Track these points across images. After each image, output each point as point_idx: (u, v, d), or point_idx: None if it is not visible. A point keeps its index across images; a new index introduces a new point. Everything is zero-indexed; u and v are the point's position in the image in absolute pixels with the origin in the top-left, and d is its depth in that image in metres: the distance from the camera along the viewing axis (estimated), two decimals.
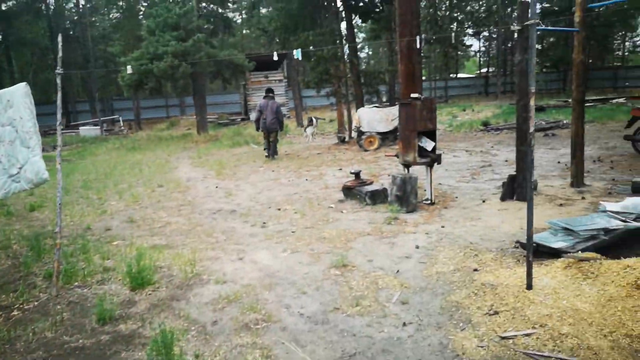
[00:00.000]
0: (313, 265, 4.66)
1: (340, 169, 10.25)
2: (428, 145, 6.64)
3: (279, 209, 7.08)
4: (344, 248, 5.09)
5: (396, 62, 15.50)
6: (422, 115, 6.39)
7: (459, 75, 45.43)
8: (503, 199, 6.50)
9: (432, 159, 6.56)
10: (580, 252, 3.86)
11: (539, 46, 43.52)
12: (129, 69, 13.54)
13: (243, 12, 38.91)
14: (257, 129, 12.74)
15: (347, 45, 13.68)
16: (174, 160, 13.57)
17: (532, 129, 3.30)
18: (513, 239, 4.99)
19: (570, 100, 23.91)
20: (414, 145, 6.49)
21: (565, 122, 15.95)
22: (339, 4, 14.00)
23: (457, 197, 7.05)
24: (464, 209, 6.39)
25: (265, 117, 12.14)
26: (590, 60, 39.84)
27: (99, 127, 25.78)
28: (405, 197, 6.31)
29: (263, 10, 32.12)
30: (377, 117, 12.49)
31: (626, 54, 39.33)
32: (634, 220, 4.49)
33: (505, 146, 12.14)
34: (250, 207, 7.33)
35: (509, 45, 38.42)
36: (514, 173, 6.52)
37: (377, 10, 13.41)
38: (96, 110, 27.31)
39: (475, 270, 4.21)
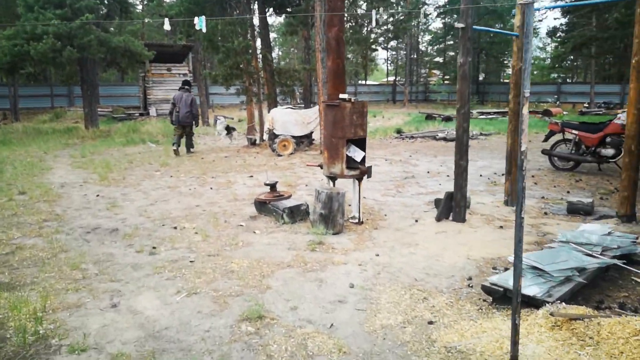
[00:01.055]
0: (217, 316, 3.43)
1: (251, 176, 9.02)
2: (357, 155, 5.68)
3: (175, 227, 5.71)
4: (258, 287, 3.92)
5: (313, 61, 14.57)
6: (352, 119, 5.42)
7: (368, 82, 46.03)
8: (439, 219, 5.73)
9: (361, 171, 5.60)
10: (561, 302, 3.07)
11: (441, 59, 45.57)
12: None
13: None
14: (172, 122, 12.29)
15: (259, 39, 12.48)
16: (50, 159, 11.39)
17: (524, 145, 2.40)
18: (463, 274, 4.15)
19: (473, 112, 24.80)
20: (342, 155, 5.49)
21: (474, 132, 16.12)
22: None
23: (386, 215, 6.17)
24: (397, 230, 5.51)
25: (179, 109, 11.75)
26: (485, 75, 42.46)
27: None
28: (332, 216, 5.28)
29: None
30: (292, 119, 11.42)
31: None
32: (601, 254, 3.85)
33: (423, 155, 11.70)
34: (138, 224, 5.86)
35: (414, 55, 39.61)
36: (451, 191, 5.77)
37: (294, 3, 12.35)
38: None
39: (431, 323, 3.27)
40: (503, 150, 12.83)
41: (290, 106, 14.34)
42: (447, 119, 21.18)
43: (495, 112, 23.85)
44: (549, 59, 45.79)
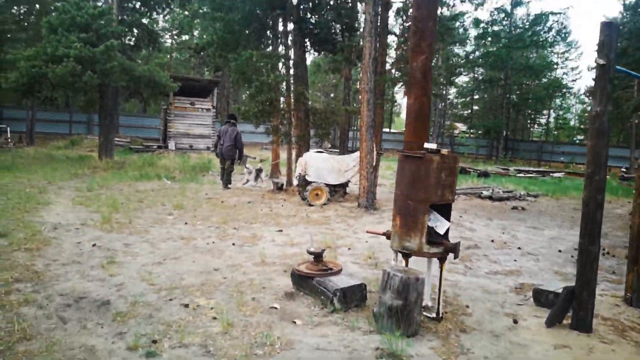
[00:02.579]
0: None
1: (281, 231, 7.54)
2: (441, 226, 4.19)
3: (187, 305, 4.20)
4: None
5: (354, 102, 13.33)
6: (439, 178, 3.97)
7: (391, 129, 45.08)
8: (551, 323, 4.12)
9: (446, 248, 4.09)
10: None
11: (466, 112, 44.61)
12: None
13: (174, 32, 35.80)
14: (216, 155, 12.60)
15: (292, 74, 11.30)
16: (52, 192, 10.08)
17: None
18: None
19: (510, 169, 23.31)
20: (423, 225, 4.01)
21: (522, 193, 14.57)
22: (291, 26, 11.67)
23: (468, 307, 4.59)
24: (494, 336, 3.92)
25: (223, 142, 11.93)
26: (513, 132, 41.21)
27: None
28: (407, 311, 3.73)
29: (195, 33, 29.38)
30: (327, 166, 10.04)
31: (551, 128, 41.06)
32: None
33: (474, 216, 10.14)
34: (137, 295, 4.37)
35: (442, 105, 38.64)
36: (571, 285, 4.18)
37: (336, 40, 11.23)
38: None
39: None
40: (566, 217, 11.24)
41: (321, 150, 13.02)
42: (484, 174, 19.70)
43: (534, 171, 22.33)
44: (573, 120, 44.40)
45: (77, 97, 18.40)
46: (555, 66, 39.67)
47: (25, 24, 28.87)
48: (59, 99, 22.00)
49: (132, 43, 19.98)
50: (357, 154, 10.24)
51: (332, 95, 38.05)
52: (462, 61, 32.36)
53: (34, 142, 24.80)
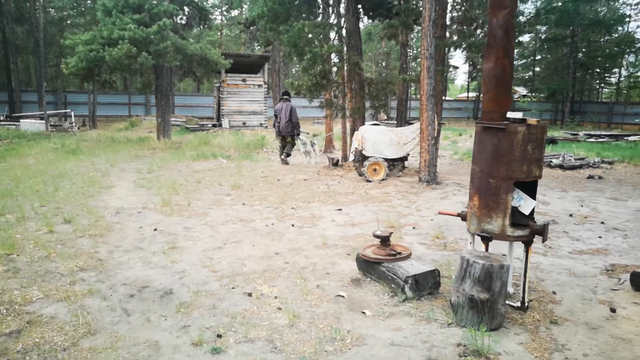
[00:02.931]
0: None
1: (340, 210, 7.25)
2: (527, 205, 3.72)
3: (250, 294, 4.02)
4: None
5: (414, 70, 12.64)
6: (525, 151, 3.49)
7: (447, 97, 43.33)
8: None
9: (533, 230, 3.64)
10: None
11: (528, 74, 42.01)
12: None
13: (223, 8, 35.70)
14: (275, 133, 12.67)
15: (345, 43, 10.76)
16: (115, 174, 10.29)
17: None
18: None
19: (579, 133, 21.75)
20: (507, 205, 3.57)
21: (595, 160, 13.46)
22: None
23: (555, 294, 4.14)
24: (590, 329, 3.47)
25: (280, 120, 11.95)
26: (581, 93, 38.43)
27: (44, 121, 22.07)
28: (491, 302, 3.35)
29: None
30: (385, 139, 9.58)
31: (621, 88, 37.95)
32: None
33: (547, 188, 9.41)
34: (199, 283, 4.24)
35: None
36: None
37: (392, 4, 10.55)
38: (42, 101, 23.55)
39: None
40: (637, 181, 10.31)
41: (377, 122, 12.52)
42: (551, 141, 18.43)
43: (606, 135, 20.69)
44: None
45: (134, 79, 18.74)
46: (627, 19, 36.32)
47: (83, 8, 29.73)
48: (117, 82, 22.62)
49: (183, 22, 20.06)
50: (417, 125, 9.71)
51: (383, 64, 36.84)
52: (528, 18, 30.39)
53: (96, 125, 25.80)
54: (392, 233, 4.51)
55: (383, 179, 9.48)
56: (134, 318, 3.56)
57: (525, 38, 40.08)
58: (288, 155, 12.26)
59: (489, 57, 3.66)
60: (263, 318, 3.59)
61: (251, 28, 19.57)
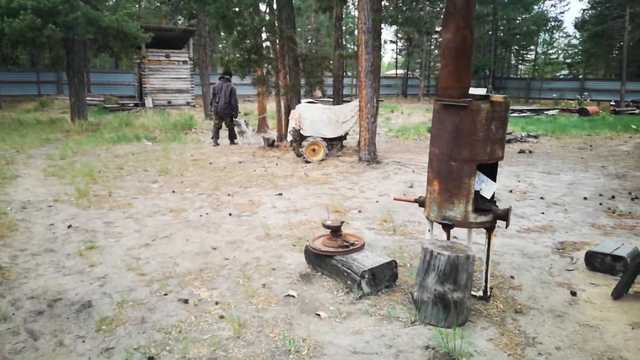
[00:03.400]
0: None
1: (280, 194, 6.78)
2: (487, 189, 3.47)
3: (187, 301, 3.49)
4: None
5: (346, 46, 12.21)
6: (488, 131, 3.21)
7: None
8: (618, 295, 3.52)
9: (496, 215, 3.39)
10: None
11: None
12: None
13: None
14: (212, 113, 12.25)
15: (276, 16, 10.08)
16: (21, 162, 9.11)
17: None
18: None
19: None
20: (469, 190, 3.28)
21: (522, 134, 13.93)
22: None
23: (513, 278, 3.98)
24: (557, 317, 3.31)
25: (218, 100, 11.53)
26: (506, 69, 40.23)
27: None
28: (456, 297, 3.07)
29: None
30: (323, 118, 9.17)
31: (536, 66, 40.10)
32: None
33: None
34: (124, 290, 3.64)
35: (432, 46, 37.22)
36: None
37: None
38: None
39: None
40: (576, 158, 10.58)
41: (312, 100, 12.08)
42: None
43: (527, 110, 21.65)
44: (556, 54, 42.96)
45: (42, 55, 16.86)
46: None
47: None
48: (21, 57, 20.35)
49: None
50: (355, 103, 9.38)
51: (313, 40, 36.15)
52: None
53: (1, 106, 23.22)
54: (343, 222, 4.13)
55: (322, 160, 9.10)
56: (43, 342, 2.92)
57: None
58: (234, 137, 11.99)
59: (448, 27, 3.31)
60: (203, 330, 3.09)
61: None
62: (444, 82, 3.39)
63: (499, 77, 37.56)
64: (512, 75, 41.76)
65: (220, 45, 41.64)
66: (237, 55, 9.66)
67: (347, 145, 10.73)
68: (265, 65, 10.35)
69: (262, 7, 10.36)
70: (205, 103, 19.24)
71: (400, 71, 43.82)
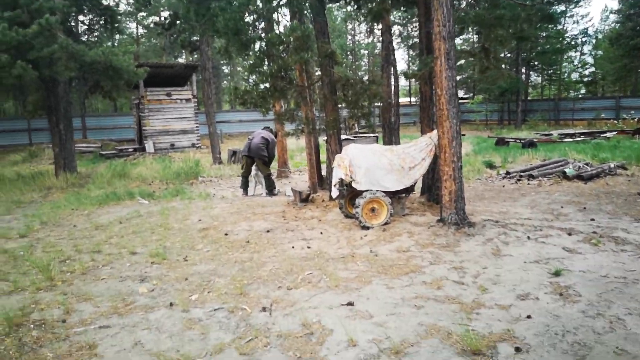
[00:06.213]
0: None
1: (351, 304, 4.00)
2: None
3: None
4: None
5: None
6: None
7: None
8: None
9: None
10: None
11: (462, 75, 40.81)
12: None
13: (138, 15, 31.32)
14: (242, 156, 10.69)
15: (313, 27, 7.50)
16: None
17: None
18: None
19: (552, 133, 19.85)
20: None
21: (611, 166, 11.13)
22: None
23: None
24: None
25: (252, 137, 9.95)
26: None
27: None
28: None
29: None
30: (384, 164, 6.44)
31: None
32: None
33: (607, 215, 6.72)
34: None
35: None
36: None
37: None
38: None
39: None
40: None
41: (350, 137, 9.44)
42: (531, 144, 16.26)
43: (581, 133, 18.93)
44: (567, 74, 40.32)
45: (17, 99, 14.60)
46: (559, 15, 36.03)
47: None
48: (5, 105, 18.08)
49: (85, 25, 16.09)
50: (424, 140, 6.70)
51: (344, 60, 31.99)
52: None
53: None
54: None
55: (386, 223, 6.34)
56: None
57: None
58: (273, 187, 10.03)
59: None
60: None
61: (171, 29, 15.92)
62: None
63: (523, 100, 35.01)
64: (536, 97, 39.28)
65: (224, 82, 39.64)
66: (258, 82, 7.08)
67: (417, 199, 7.97)
68: (292, 95, 7.75)
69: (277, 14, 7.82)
70: (212, 144, 16.73)
71: (413, 98, 41.52)
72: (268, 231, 6.56)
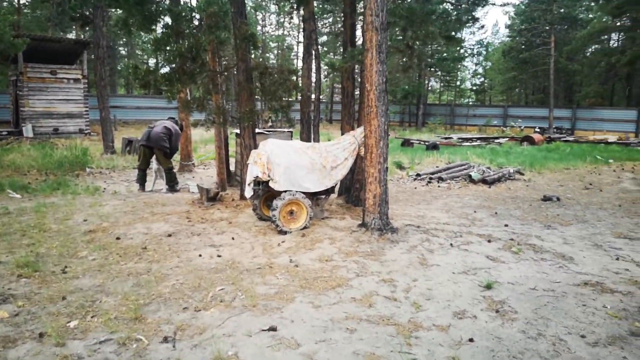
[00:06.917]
0: None
1: (274, 330, 3.38)
2: None
3: None
4: None
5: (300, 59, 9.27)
6: None
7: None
8: None
9: None
10: None
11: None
12: None
13: None
14: (138, 146, 9.74)
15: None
16: None
17: None
18: None
19: (453, 137, 20.75)
20: None
21: (511, 170, 11.66)
22: None
23: None
24: None
25: (154, 126, 8.86)
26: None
27: None
28: None
29: None
30: (305, 162, 5.89)
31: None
32: None
33: (517, 220, 6.82)
34: None
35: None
36: None
37: None
38: None
39: None
40: (613, 206, 7.93)
41: (262, 131, 8.77)
42: (434, 146, 16.76)
43: (477, 138, 20.00)
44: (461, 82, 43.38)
45: None
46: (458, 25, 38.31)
47: None
48: None
49: None
50: (348, 139, 6.26)
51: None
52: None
53: None
54: None
55: (305, 227, 5.79)
56: None
57: None
58: (172, 181, 8.84)
59: None
60: None
61: None
62: None
63: (425, 104, 36.65)
64: (435, 102, 41.41)
65: (120, 66, 36.46)
66: (166, 60, 6.10)
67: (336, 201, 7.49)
68: (203, 80, 6.87)
69: None
70: (104, 131, 15.00)
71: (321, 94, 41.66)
72: (170, 235, 5.69)
